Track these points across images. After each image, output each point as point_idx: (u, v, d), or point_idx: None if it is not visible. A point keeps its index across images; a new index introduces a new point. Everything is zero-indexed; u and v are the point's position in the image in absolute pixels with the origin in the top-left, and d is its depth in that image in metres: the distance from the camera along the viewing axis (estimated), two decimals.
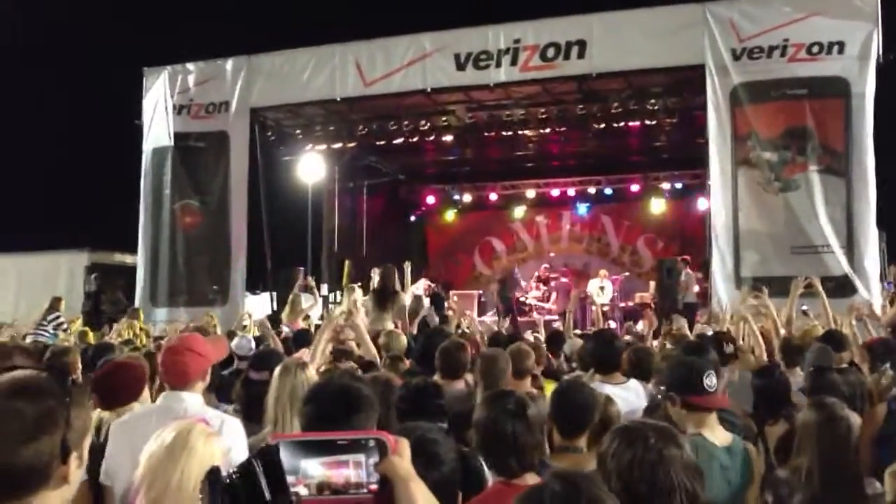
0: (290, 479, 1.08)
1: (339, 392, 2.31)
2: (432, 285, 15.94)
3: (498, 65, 13.25)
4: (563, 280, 17.17)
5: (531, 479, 2.73)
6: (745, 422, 4.14)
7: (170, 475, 2.40)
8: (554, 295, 16.99)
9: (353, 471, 1.13)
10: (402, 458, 1.16)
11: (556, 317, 15.47)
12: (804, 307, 8.79)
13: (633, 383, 4.61)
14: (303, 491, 1.09)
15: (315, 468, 1.11)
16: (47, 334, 10.83)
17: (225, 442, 3.17)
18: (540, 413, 2.98)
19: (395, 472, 1.13)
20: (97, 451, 3.11)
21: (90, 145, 19.53)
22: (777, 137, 11.76)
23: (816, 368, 4.44)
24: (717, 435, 3.27)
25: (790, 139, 11.70)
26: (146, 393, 3.85)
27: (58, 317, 11.68)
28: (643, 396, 4.53)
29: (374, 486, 1.14)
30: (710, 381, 3.27)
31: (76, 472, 1.64)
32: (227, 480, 1.06)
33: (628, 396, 4.34)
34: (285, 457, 1.09)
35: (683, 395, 3.29)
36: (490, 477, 2.82)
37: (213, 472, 1.09)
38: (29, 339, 9.46)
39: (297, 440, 1.14)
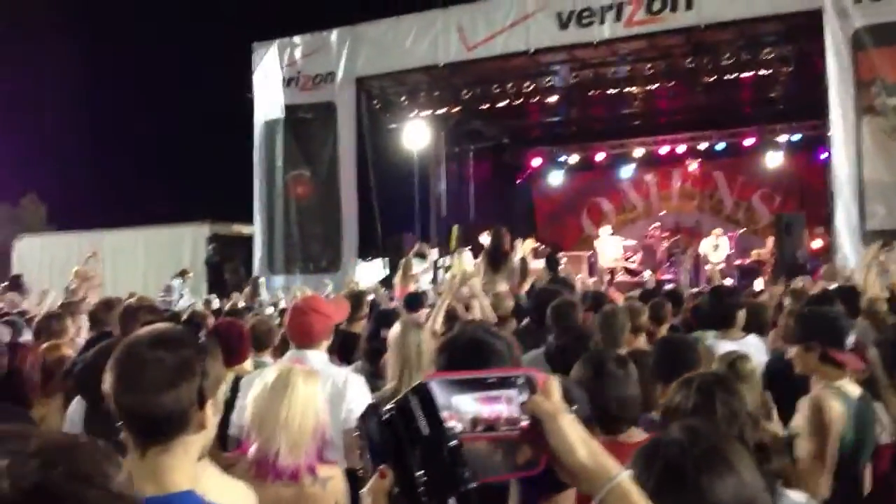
0: (443, 414, 1.07)
1: (472, 343, 2.33)
2: (540, 247, 15.87)
3: (602, 21, 12.95)
4: (649, 240, 16.83)
5: (636, 434, 2.76)
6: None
7: (276, 413, 2.54)
8: (640, 255, 16.77)
9: (506, 406, 1.12)
10: (551, 394, 1.13)
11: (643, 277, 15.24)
12: None
13: (752, 338, 4.52)
14: (457, 427, 1.08)
15: (468, 404, 1.10)
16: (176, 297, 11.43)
17: (348, 395, 3.33)
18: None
19: (541, 410, 1.11)
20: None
21: (205, 120, 20.31)
22: None
23: None
24: (850, 388, 3.24)
25: None
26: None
27: (181, 284, 12.30)
28: (763, 351, 4.43)
29: (525, 423, 1.13)
30: (850, 340, 3.24)
31: (212, 418, 1.76)
32: (386, 416, 1.07)
33: (747, 352, 4.25)
34: (438, 394, 1.08)
35: (824, 346, 3.26)
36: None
37: (372, 408, 1.10)
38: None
39: (449, 378, 1.13)
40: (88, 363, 2.33)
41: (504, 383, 1.14)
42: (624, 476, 1.10)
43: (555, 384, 1.15)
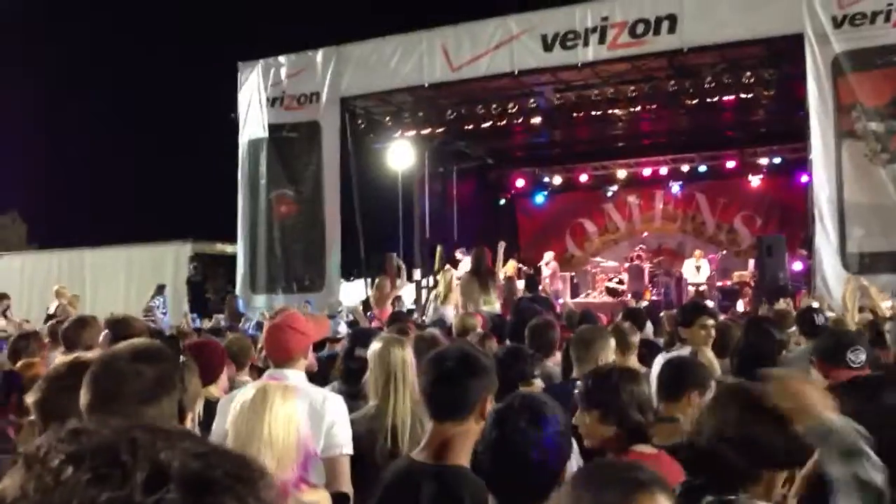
0: None
1: (459, 356, 2.43)
2: (523, 268, 15.89)
3: (586, 44, 13.03)
4: (636, 263, 16.84)
5: (644, 449, 2.72)
6: None
7: (260, 431, 2.50)
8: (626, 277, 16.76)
9: None
10: None
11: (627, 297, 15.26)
12: None
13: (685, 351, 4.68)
14: None
15: None
16: (159, 316, 11.33)
17: (327, 415, 3.29)
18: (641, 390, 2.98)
19: None
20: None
21: (189, 139, 20.27)
22: (883, 107, 11.20)
23: None
24: None
25: None
26: (224, 376, 3.97)
27: (163, 301, 12.20)
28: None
29: None
30: (856, 356, 3.27)
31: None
32: None
33: None
34: None
35: (824, 364, 3.36)
36: None
37: None
38: None
39: None
40: (52, 380, 2.26)
41: None
42: None
43: None
